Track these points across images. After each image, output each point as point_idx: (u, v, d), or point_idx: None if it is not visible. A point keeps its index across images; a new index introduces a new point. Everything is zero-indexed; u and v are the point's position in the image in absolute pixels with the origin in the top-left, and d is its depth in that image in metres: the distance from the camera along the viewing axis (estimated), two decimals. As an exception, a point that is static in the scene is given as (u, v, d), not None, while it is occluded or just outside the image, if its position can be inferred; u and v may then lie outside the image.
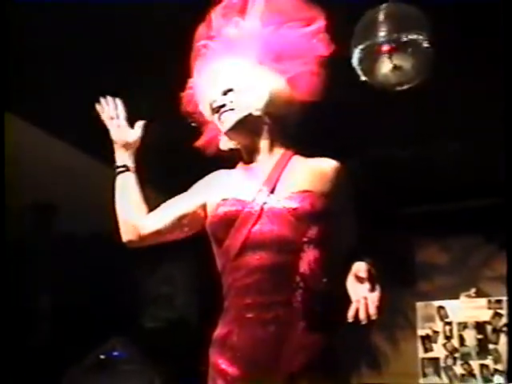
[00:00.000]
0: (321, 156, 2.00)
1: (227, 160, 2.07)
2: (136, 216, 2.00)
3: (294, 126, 2.05)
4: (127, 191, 2.05)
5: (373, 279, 1.70)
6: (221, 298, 1.89)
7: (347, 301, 1.72)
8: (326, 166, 1.96)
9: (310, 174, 1.92)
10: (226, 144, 2.06)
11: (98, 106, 2.15)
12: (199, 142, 2.11)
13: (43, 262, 5.91)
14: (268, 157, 1.98)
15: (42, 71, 3.57)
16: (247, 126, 1.97)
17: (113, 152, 2.13)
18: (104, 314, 5.77)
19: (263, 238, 1.81)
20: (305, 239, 1.81)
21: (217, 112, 1.99)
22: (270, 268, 1.78)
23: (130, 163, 2.10)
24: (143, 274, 6.09)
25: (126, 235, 2.01)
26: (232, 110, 1.96)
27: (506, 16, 2.52)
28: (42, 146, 4.50)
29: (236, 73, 2.00)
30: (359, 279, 1.71)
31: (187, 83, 2.11)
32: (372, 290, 1.69)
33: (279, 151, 1.99)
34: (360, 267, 1.72)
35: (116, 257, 4.03)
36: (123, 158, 2.11)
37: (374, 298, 1.67)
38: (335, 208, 1.88)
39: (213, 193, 1.95)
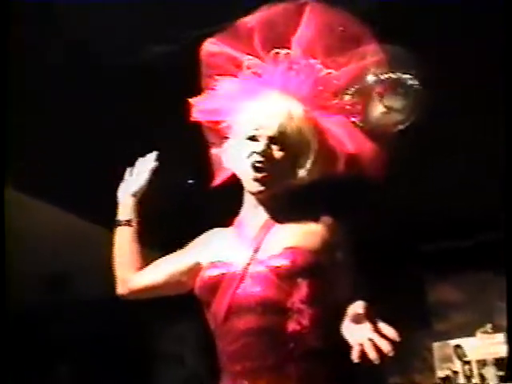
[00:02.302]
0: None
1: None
2: (127, 270, 2.02)
3: None
4: (123, 245, 2.06)
5: (373, 317, 1.55)
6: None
7: (346, 356, 1.60)
8: (316, 222, 1.85)
9: (296, 230, 1.82)
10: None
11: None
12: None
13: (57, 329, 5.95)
14: (257, 213, 1.89)
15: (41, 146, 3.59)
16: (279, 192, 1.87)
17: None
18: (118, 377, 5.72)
19: (248, 301, 1.73)
20: (291, 298, 1.72)
21: (253, 166, 1.82)
22: (257, 332, 1.71)
23: (131, 217, 2.10)
24: (154, 333, 6.05)
25: (120, 289, 2.04)
26: (273, 172, 1.81)
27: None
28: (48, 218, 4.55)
29: (285, 120, 1.82)
30: (357, 320, 1.57)
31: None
32: (375, 328, 1.53)
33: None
34: (356, 307, 1.58)
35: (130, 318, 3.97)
36: (124, 212, 2.11)
37: (383, 332, 1.52)
38: (326, 262, 1.78)
39: (205, 254, 1.90)
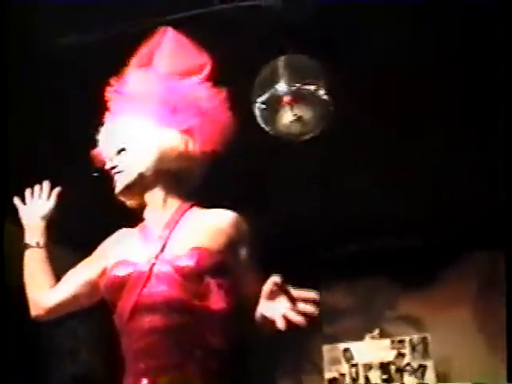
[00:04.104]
0: (221, 206, 1.96)
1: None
2: (39, 291, 2.02)
3: (193, 178, 2.02)
4: (33, 267, 2.07)
5: (286, 289, 1.60)
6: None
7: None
8: (222, 219, 1.91)
9: (204, 229, 1.86)
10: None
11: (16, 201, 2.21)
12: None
13: None
14: (162, 212, 1.93)
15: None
16: (136, 188, 1.95)
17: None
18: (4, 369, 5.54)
19: (153, 301, 1.75)
20: (196, 297, 1.76)
21: (111, 171, 1.98)
22: (162, 330, 1.73)
23: (40, 239, 2.12)
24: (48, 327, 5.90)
25: (33, 311, 2.04)
26: (121, 172, 1.95)
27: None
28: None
29: (129, 131, 1.98)
30: (272, 296, 1.63)
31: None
32: (291, 297, 1.59)
33: (175, 204, 1.95)
34: (268, 285, 1.63)
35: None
36: (32, 235, 2.13)
37: (302, 297, 1.59)
38: (231, 261, 1.84)
39: (112, 255, 1.91)
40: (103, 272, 1.91)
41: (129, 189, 1.95)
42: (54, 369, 5.94)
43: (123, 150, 1.96)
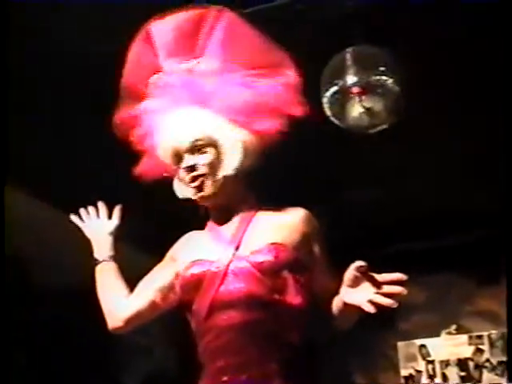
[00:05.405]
0: (288, 206, 1.92)
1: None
2: (117, 303, 2.00)
3: (258, 176, 1.95)
4: (106, 281, 2.05)
5: (371, 275, 1.59)
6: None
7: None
8: (294, 216, 1.88)
9: (278, 225, 1.85)
10: (183, 193, 1.95)
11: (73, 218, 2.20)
12: (136, 170, 2.00)
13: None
14: (233, 211, 1.90)
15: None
16: (223, 190, 1.87)
17: None
18: (80, 368, 5.66)
19: (231, 297, 1.74)
20: (274, 293, 1.75)
21: (187, 171, 1.87)
22: (240, 327, 1.72)
23: (109, 254, 2.11)
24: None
25: (111, 323, 2.01)
26: (205, 175, 1.85)
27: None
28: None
29: (205, 126, 1.86)
30: (355, 283, 1.63)
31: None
32: (377, 284, 1.58)
33: (248, 202, 1.92)
34: (351, 271, 1.63)
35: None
36: (101, 251, 2.12)
37: (388, 280, 1.58)
38: (306, 257, 1.83)
39: (183, 258, 1.90)
40: (176, 275, 1.90)
41: (217, 191, 1.87)
42: (128, 367, 6.04)
43: (201, 148, 1.86)
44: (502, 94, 2.52)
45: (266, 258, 1.75)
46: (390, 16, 2.90)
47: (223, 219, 1.91)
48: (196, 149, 1.86)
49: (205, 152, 1.86)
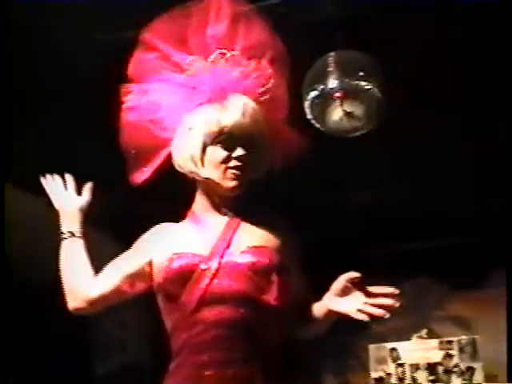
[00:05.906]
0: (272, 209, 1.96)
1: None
2: (82, 282, 1.95)
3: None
4: (72, 257, 2.00)
5: (364, 287, 1.66)
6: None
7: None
8: (276, 223, 1.93)
9: (260, 231, 1.89)
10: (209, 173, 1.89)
11: (43, 181, 2.15)
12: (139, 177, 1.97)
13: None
14: (227, 213, 1.93)
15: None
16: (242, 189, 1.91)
17: None
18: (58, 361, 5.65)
19: (221, 293, 1.77)
20: (263, 293, 1.79)
21: (223, 163, 1.86)
22: (228, 323, 1.75)
23: (78, 229, 2.06)
24: (95, 318, 5.96)
25: (73, 302, 1.96)
26: (241, 168, 1.86)
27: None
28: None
29: (260, 122, 1.87)
30: (345, 292, 1.70)
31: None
32: (370, 295, 1.66)
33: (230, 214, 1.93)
34: (341, 281, 1.70)
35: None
36: (69, 224, 2.06)
37: (380, 292, 1.65)
38: (287, 261, 1.87)
39: (159, 248, 1.90)
40: (148, 264, 1.90)
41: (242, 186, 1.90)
42: (103, 358, 6.02)
43: (253, 142, 1.87)
44: (502, 94, 2.55)
45: (259, 259, 1.80)
46: (372, 21, 2.94)
47: (217, 212, 1.93)
48: (248, 141, 1.86)
49: (253, 149, 1.87)
